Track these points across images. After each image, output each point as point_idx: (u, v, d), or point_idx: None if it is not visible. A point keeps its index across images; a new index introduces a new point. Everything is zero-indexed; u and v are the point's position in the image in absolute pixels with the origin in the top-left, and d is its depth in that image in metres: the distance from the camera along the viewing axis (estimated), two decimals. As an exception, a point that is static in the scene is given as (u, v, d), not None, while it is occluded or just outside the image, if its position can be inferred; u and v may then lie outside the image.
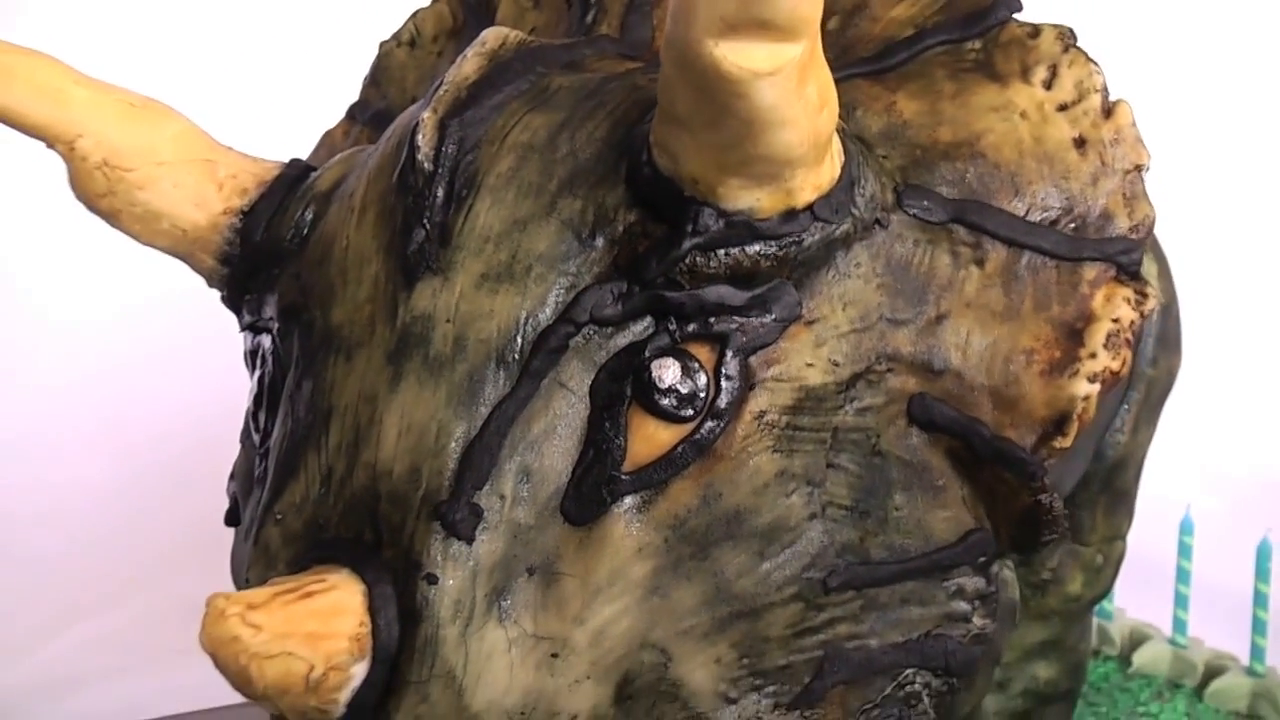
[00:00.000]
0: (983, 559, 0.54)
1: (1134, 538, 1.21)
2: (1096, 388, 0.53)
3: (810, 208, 0.51)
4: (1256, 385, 1.89)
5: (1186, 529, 1.18)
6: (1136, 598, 1.26)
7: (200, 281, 0.66)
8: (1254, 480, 1.69)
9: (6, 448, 1.25)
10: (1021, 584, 0.84)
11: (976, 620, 0.54)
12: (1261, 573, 1.12)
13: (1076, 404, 0.52)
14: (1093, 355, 0.53)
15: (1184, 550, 1.18)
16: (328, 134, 0.74)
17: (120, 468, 1.29)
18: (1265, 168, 1.94)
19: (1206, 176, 1.84)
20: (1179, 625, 1.18)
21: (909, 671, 0.55)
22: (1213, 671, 1.14)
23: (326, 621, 0.47)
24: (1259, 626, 1.12)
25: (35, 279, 1.27)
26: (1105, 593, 0.89)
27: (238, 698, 1.05)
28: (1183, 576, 1.18)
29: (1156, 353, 0.84)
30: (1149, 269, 0.84)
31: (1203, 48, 1.84)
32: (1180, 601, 1.18)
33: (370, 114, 0.72)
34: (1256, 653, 1.13)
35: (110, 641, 1.20)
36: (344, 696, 0.48)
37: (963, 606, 0.55)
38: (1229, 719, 1.10)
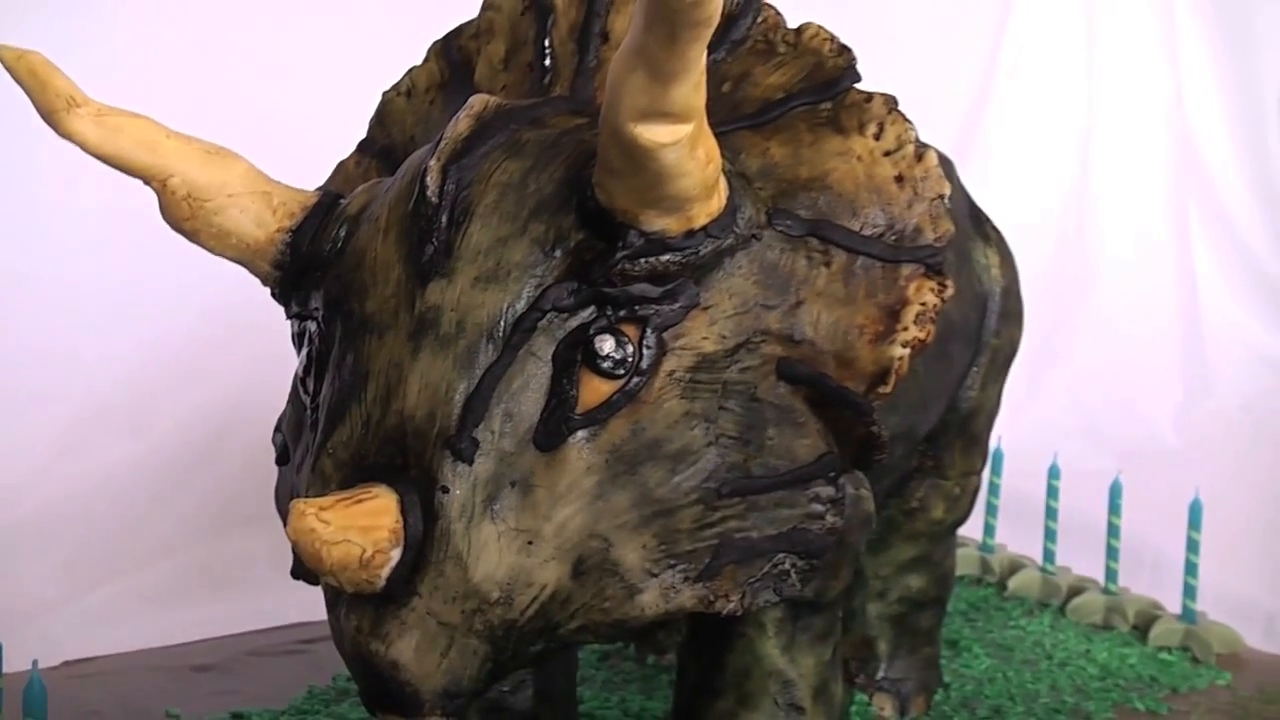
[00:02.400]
0: (832, 473, 0.69)
1: (1010, 483, 1.40)
2: (908, 351, 0.67)
3: (705, 228, 0.64)
4: (1116, 354, 2.08)
5: (1054, 474, 1.35)
6: (1013, 535, 1.42)
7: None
8: (1108, 432, 1.88)
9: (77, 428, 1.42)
10: (895, 511, 1.01)
11: (829, 518, 0.69)
12: (1114, 508, 1.30)
13: (894, 362, 0.67)
14: (905, 329, 0.67)
15: (1052, 492, 1.35)
16: (341, 164, 0.87)
17: (165, 449, 1.45)
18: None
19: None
20: (1048, 555, 1.36)
21: (780, 555, 0.68)
22: (1074, 592, 1.31)
23: (373, 519, 0.60)
24: (1112, 553, 1.30)
25: (111, 286, 1.43)
26: (964, 518, 1.06)
27: (252, 626, 1.20)
28: (1051, 514, 1.35)
29: (999, 326, 1.00)
30: (992, 259, 1.00)
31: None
32: (1049, 535, 1.35)
33: (377, 149, 0.85)
34: (1110, 575, 1.30)
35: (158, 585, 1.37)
36: (385, 572, 0.61)
37: (819, 508, 0.68)
38: (1086, 630, 1.25)
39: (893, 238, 0.69)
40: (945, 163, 0.96)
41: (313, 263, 0.71)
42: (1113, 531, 1.29)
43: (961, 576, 1.37)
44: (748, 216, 0.67)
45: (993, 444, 1.33)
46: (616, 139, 0.58)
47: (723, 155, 0.66)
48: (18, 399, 1.45)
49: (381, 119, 0.86)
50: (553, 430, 0.63)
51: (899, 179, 0.70)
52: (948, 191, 0.70)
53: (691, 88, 0.56)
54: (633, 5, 0.69)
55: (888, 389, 0.68)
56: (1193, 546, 1.23)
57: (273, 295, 0.75)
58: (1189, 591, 1.23)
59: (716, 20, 0.53)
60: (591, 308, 0.64)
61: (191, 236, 0.72)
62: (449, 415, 0.63)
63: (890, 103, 0.71)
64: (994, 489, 1.39)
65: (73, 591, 1.27)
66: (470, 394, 0.63)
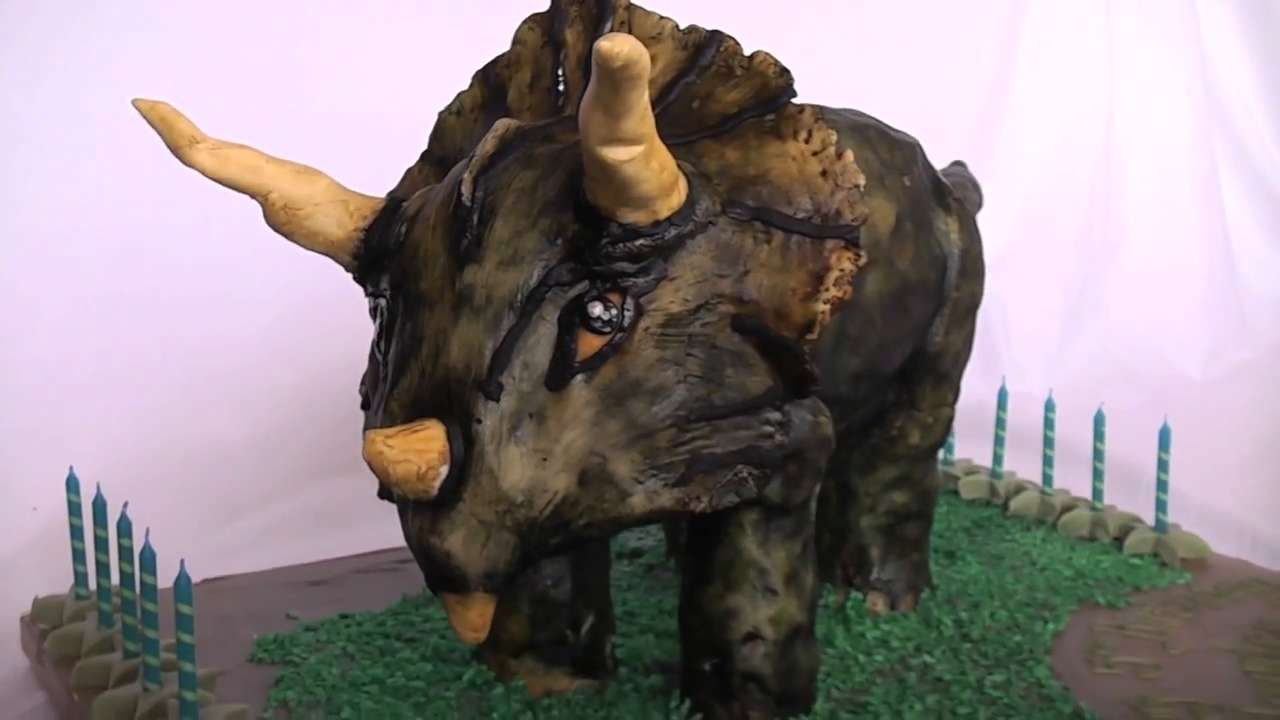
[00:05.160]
0: (778, 402, 0.86)
1: (1014, 419, 1.57)
2: (829, 307, 0.83)
3: (669, 219, 0.80)
4: (1148, 306, 2.23)
5: (1050, 407, 1.49)
6: (1019, 463, 1.57)
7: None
8: (1094, 369, 2.04)
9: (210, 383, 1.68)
10: (878, 439, 1.17)
11: (777, 437, 0.86)
12: (1098, 436, 1.44)
13: (818, 315, 0.83)
14: (827, 289, 0.83)
15: (1048, 423, 1.49)
16: (409, 170, 1.02)
17: (270, 415, 1.70)
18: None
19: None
20: (1046, 480, 1.50)
21: (740, 466, 0.84)
22: (1066, 510, 1.45)
23: (426, 444, 0.76)
24: (1098, 475, 1.44)
25: (218, 283, 1.70)
26: (939, 443, 1.21)
27: (356, 551, 1.41)
28: (1048, 443, 1.49)
29: (959, 281, 1.16)
30: (951, 226, 1.15)
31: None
32: (1047, 462, 1.50)
33: (434, 159, 1.00)
34: (1096, 494, 1.44)
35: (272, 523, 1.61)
36: (436, 484, 0.77)
37: (769, 429, 0.85)
38: (1073, 541, 1.40)
39: (819, 219, 0.85)
40: (911, 147, 1.15)
41: (381, 254, 0.87)
42: (1098, 456, 1.45)
43: (972, 500, 1.55)
44: (705, 207, 0.84)
45: (996, 385, 1.51)
46: (590, 158, 0.76)
47: (689, 160, 0.85)
48: (138, 372, 1.72)
49: (438, 134, 1.02)
50: (559, 375, 0.80)
51: (824, 173, 0.86)
52: (862, 182, 0.87)
53: (637, 120, 0.73)
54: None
55: (813, 336, 0.85)
56: (1163, 466, 1.39)
57: (354, 279, 0.93)
58: (1160, 506, 1.39)
59: (647, 74, 0.70)
60: (585, 282, 0.80)
61: (289, 237, 0.91)
62: (481, 366, 0.79)
63: (817, 113, 0.87)
64: (1000, 423, 1.56)
65: (200, 531, 1.50)
66: (496, 350, 0.79)
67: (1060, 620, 1.20)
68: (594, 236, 0.81)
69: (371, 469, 0.78)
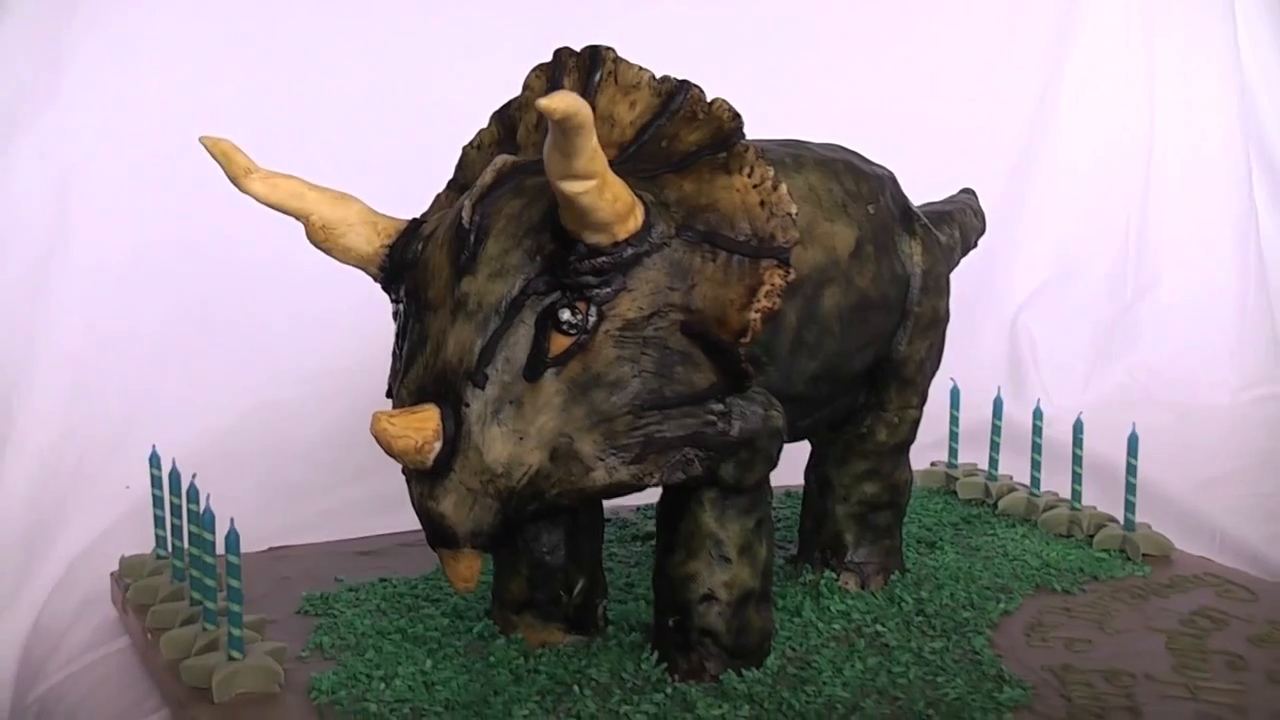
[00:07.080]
0: (720, 395, 0.99)
1: (1010, 427, 1.69)
2: (760, 315, 0.94)
3: (627, 240, 0.91)
4: (1177, 345, 2.30)
5: (1039, 416, 1.61)
6: (1013, 467, 1.69)
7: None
8: (1119, 395, 2.14)
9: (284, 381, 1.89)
10: (850, 435, 1.30)
11: (720, 425, 0.99)
12: (1077, 442, 1.55)
13: (750, 322, 0.94)
14: (759, 301, 0.94)
15: (1037, 431, 1.61)
16: (437, 197, 1.14)
17: (339, 416, 1.90)
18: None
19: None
20: (1035, 482, 1.61)
21: (687, 449, 0.97)
22: (1049, 509, 1.57)
23: (423, 423, 0.89)
24: (1077, 478, 1.56)
25: (289, 303, 1.94)
26: (905, 441, 1.33)
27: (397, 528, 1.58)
28: (1037, 449, 1.61)
29: (920, 298, 1.28)
30: (915, 249, 1.28)
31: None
32: (1035, 465, 1.61)
33: (457, 187, 1.12)
34: (1075, 495, 1.56)
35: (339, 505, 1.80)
36: (432, 457, 0.89)
37: (712, 418, 0.97)
38: (1051, 537, 1.52)
39: (756, 242, 0.97)
40: (880, 179, 1.29)
41: (402, 267, 1.01)
42: (1076, 461, 1.56)
43: (968, 499, 1.69)
44: (660, 231, 0.96)
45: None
46: (554, 189, 0.91)
47: (653, 191, 1.00)
48: (227, 376, 1.94)
49: (461, 165, 1.16)
50: (534, 368, 0.93)
51: (761, 203, 0.98)
52: (794, 210, 1.00)
53: (586, 159, 0.88)
54: (612, 89, 1.05)
55: (747, 339, 0.98)
56: (1131, 470, 1.51)
57: (381, 288, 1.08)
58: (1129, 506, 1.51)
59: (589, 124, 0.85)
60: (558, 292, 0.93)
61: (327, 253, 1.07)
62: (471, 360, 0.92)
63: (758, 151, 1.01)
64: (996, 430, 1.69)
65: (272, 511, 1.67)
66: (484, 347, 0.92)
67: (1013, 601, 1.32)
68: (565, 254, 0.93)
69: (377, 442, 0.93)
